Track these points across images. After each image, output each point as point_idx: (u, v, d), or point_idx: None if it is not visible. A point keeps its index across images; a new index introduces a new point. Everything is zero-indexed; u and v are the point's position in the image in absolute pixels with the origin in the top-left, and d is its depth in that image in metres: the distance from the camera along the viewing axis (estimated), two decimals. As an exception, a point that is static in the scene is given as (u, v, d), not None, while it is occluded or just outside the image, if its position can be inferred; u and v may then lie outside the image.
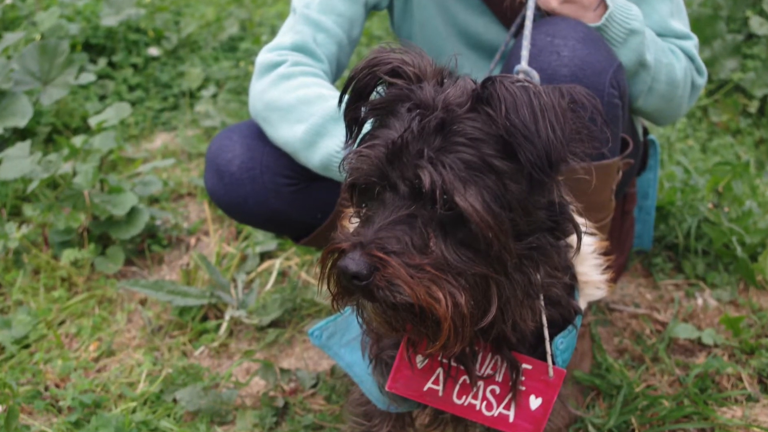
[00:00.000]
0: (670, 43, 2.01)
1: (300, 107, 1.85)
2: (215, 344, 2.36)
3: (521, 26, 1.77)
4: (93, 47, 4.00)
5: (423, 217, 1.14)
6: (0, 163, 2.80)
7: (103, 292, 2.58)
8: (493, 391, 1.33)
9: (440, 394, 1.34)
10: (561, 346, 1.36)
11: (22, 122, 3.13)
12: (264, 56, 2.05)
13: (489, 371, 1.33)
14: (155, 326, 2.43)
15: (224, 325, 2.39)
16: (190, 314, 2.43)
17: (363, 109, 1.30)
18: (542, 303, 1.34)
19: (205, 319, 2.44)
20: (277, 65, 1.96)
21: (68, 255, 2.61)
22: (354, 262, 1.09)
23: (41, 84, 3.30)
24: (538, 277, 1.27)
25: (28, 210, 2.82)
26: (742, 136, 3.35)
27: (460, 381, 1.33)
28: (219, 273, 2.48)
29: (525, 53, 1.66)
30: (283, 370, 2.22)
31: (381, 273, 1.10)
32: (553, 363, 1.33)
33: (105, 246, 2.73)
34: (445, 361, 1.33)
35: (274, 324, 2.40)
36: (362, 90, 1.30)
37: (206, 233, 2.84)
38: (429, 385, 1.36)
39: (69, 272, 2.59)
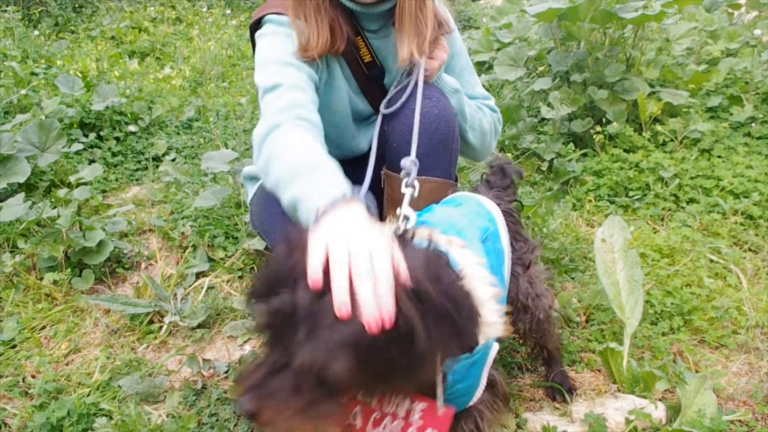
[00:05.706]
0: (478, 103, 2.10)
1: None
2: (156, 342, 2.16)
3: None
4: (86, 125, 3.80)
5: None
6: (1, 210, 2.53)
7: (77, 304, 2.33)
8: (397, 425, 1.18)
9: (358, 426, 1.19)
10: (461, 388, 1.17)
11: (21, 179, 2.92)
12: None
13: (394, 409, 1.17)
14: (112, 329, 2.21)
15: (164, 327, 2.20)
16: (138, 319, 2.23)
17: None
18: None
19: (150, 323, 2.22)
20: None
21: (50, 276, 2.41)
22: (245, 403, 0.91)
23: (39, 151, 3.03)
24: None
25: (21, 243, 2.55)
26: (537, 186, 3.33)
27: (372, 416, 1.17)
28: (161, 288, 2.29)
29: (412, 155, 1.54)
30: (205, 360, 2.03)
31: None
32: (445, 401, 1.13)
33: (81, 269, 2.46)
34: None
35: (200, 326, 2.19)
36: None
37: (158, 259, 2.61)
38: (349, 420, 1.20)
39: (51, 289, 2.39)
